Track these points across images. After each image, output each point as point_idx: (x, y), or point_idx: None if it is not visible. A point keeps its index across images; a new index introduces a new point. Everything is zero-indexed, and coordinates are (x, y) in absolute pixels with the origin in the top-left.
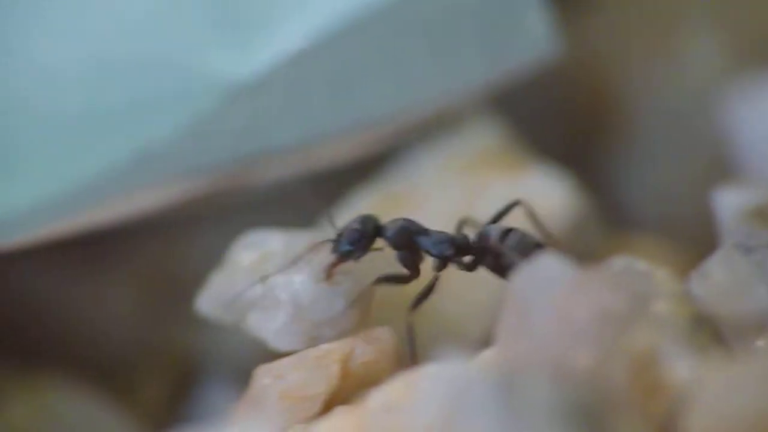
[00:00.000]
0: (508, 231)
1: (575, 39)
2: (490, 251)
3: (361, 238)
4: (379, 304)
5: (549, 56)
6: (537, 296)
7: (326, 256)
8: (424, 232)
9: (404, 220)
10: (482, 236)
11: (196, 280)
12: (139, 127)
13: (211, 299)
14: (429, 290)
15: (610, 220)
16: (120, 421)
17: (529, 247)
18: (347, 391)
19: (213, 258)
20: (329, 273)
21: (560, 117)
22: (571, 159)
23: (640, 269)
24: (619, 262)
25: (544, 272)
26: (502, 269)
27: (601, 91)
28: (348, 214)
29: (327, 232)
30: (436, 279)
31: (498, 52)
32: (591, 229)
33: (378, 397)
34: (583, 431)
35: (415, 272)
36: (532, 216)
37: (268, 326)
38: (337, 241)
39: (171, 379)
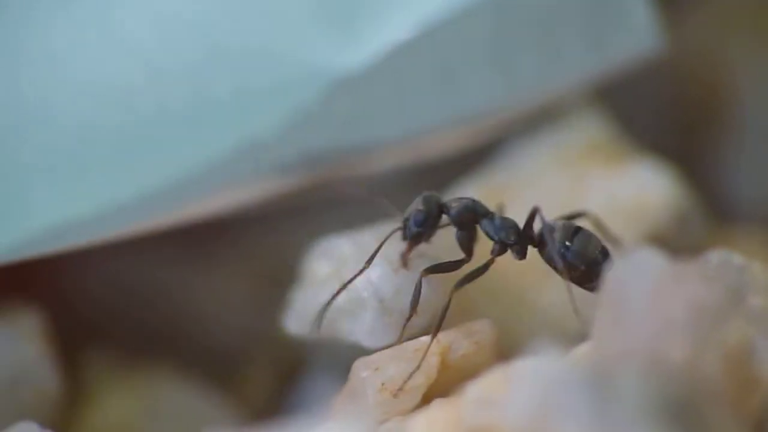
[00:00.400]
0: (577, 230)
1: (681, 32)
2: (549, 245)
3: (427, 217)
4: (480, 294)
5: (654, 49)
6: (632, 290)
7: (398, 244)
8: (489, 214)
9: (469, 199)
10: (548, 229)
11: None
12: (245, 118)
13: (297, 317)
14: (480, 272)
15: (715, 214)
16: (223, 412)
17: (594, 250)
18: (446, 383)
19: None
20: (404, 259)
21: (665, 110)
22: (675, 152)
23: (736, 263)
24: (716, 256)
25: (640, 266)
26: (561, 265)
27: (707, 84)
28: None
29: (393, 221)
30: (491, 262)
31: (603, 45)
32: (694, 222)
33: (474, 391)
34: (677, 426)
35: (468, 255)
36: (599, 226)
37: (358, 329)
38: (404, 227)
39: (276, 370)
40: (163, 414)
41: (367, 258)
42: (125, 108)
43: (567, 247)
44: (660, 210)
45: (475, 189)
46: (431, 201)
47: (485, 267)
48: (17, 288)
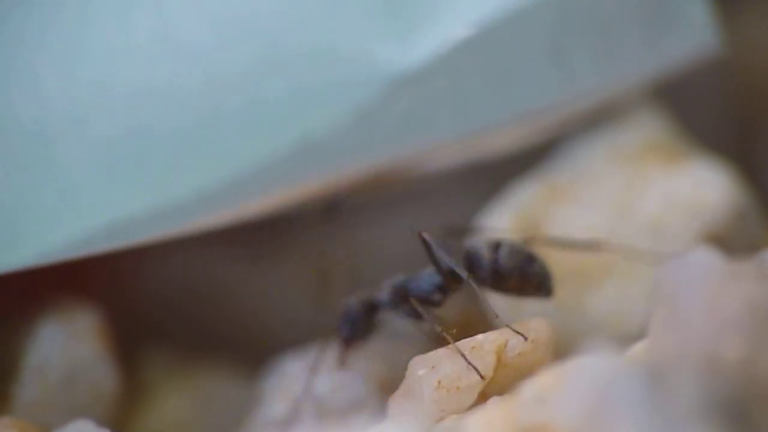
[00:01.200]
0: (497, 245)
1: (739, 28)
2: (486, 270)
3: (357, 319)
4: None
5: (712, 46)
6: (688, 289)
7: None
8: (410, 280)
9: (390, 281)
10: (471, 257)
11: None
12: (302, 117)
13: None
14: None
15: None
16: None
17: (522, 257)
18: (501, 382)
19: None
20: (342, 361)
21: (723, 108)
22: (733, 150)
23: None
24: None
25: (696, 265)
26: (501, 284)
27: (766, 80)
28: (509, 204)
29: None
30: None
31: (661, 43)
32: (752, 221)
33: (529, 389)
34: (731, 426)
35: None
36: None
37: None
38: (339, 330)
39: None
40: (219, 411)
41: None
42: (182, 108)
43: (495, 261)
44: (718, 208)
45: (533, 189)
46: (357, 303)
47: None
48: (75, 286)
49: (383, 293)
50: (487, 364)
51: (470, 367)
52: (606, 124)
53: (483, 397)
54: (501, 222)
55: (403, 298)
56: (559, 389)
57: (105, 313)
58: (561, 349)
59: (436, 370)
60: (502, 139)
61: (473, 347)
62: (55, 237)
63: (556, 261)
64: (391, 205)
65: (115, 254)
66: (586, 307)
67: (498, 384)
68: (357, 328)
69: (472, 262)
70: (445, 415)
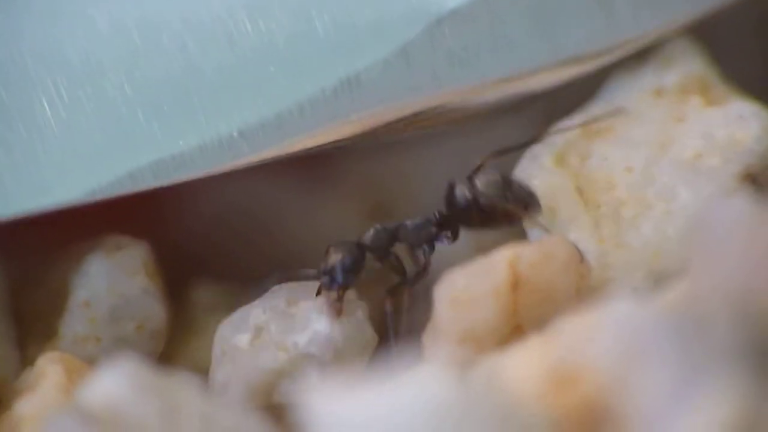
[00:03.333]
0: (471, 181)
1: None
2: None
3: (355, 262)
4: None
5: None
6: (724, 232)
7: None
8: (400, 227)
9: (374, 227)
10: (453, 199)
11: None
12: (348, 56)
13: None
14: (417, 279)
15: None
16: None
17: (499, 184)
18: (529, 309)
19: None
20: (339, 307)
21: (764, 48)
22: None
23: None
24: None
25: (733, 208)
26: (492, 219)
27: None
28: (551, 142)
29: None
30: (428, 264)
31: None
32: None
33: (565, 331)
34: (766, 365)
35: (423, 268)
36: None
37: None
38: (330, 277)
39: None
40: None
41: (282, 315)
42: (229, 46)
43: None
44: (755, 149)
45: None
46: (350, 246)
47: (424, 271)
48: (122, 223)
49: (368, 239)
50: (500, 275)
51: (481, 276)
52: (646, 62)
53: (518, 331)
54: (542, 159)
55: (387, 246)
56: (593, 333)
57: (152, 249)
58: (598, 288)
59: (449, 285)
60: (546, 77)
61: (488, 261)
62: (102, 174)
63: (595, 202)
64: (432, 139)
65: (162, 190)
66: (624, 246)
67: (526, 312)
68: (355, 271)
69: (456, 203)
70: (468, 343)
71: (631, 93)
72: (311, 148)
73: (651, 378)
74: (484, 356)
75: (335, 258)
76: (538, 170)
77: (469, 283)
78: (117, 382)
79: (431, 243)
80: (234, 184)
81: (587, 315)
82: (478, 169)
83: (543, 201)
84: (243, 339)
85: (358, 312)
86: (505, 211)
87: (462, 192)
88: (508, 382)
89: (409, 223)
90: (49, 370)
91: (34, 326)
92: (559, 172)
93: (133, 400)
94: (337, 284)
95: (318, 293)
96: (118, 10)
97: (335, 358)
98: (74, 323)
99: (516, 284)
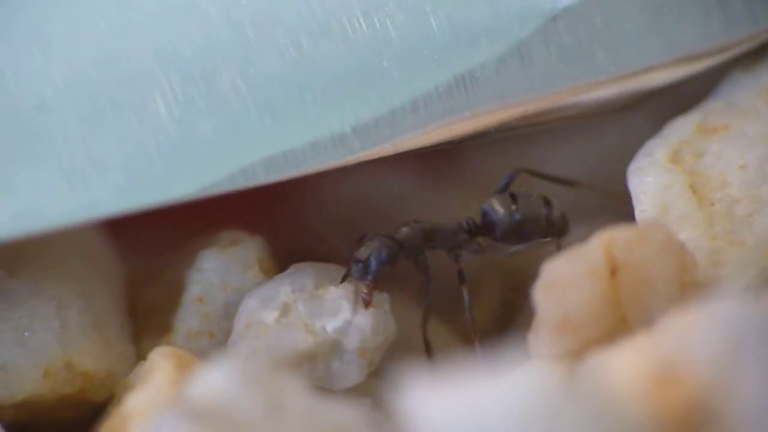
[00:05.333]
0: (513, 197)
1: None
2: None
3: (391, 253)
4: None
5: None
6: None
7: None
8: (435, 229)
9: (411, 225)
10: (489, 212)
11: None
12: (464, 52)
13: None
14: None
15: None
16: (439, 334)
17: (539, 205)
18: (629, 292)
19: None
20: (369, 298)
21: None
22: None
23: None
24: None
25: None
26: (522, 237)
27: None
28: (665, 139)
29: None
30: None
31: None
32: None
33: (669, 329)
34: None
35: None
36: (539, 175)
37: (323, 374)
38: (365, 266)
39: (503, 289)
40: None
41: (310, 297)
42: (342, 41)
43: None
44: None
45: (689, 125)
46: (387, 240)
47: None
48: (236, 218)
49: (408, 236)
50: (596, 256)
51: (577, 257)
52: (761, 60)
53: (623, 324)
54: (657, 156)
55: (419, 246)
56: (699, 331)
57: (265, 244)
58: (708, 285)
59: (546, 274)
60: (661, 75)
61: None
62: (215, 170)
63: (708, 200)
64: (547, 133)
65: (280, 184)
66: (737, 244)
67: (628, 300)
68: (389, 263)
69: (492, 215)
70: (569, 327)
71: (747, 91)
72: (424, 147)
73: (756, 379)
74: (590, 350)
75: (371, 249)
76: (651, 167)
77: (564, 267)
78: (223, 378)
79: (461, 249)
80: (354, 177)
81: (693, 313)
82: (507, 185)
83: (656, 197)
84: (270, 315)
85: (385, 305)
86: (538, 231)
87: (499, 207)
88: (613, 382)
89: (443, 225)
90: (160, 364)
91: (149, 321)
92: (673, 169)
93: (238, 395)
94: (370, 275)
95: (343, 280)
96: (232, 6)
97: (360, 347)
98: (188, 318)
99: (614, 270)
